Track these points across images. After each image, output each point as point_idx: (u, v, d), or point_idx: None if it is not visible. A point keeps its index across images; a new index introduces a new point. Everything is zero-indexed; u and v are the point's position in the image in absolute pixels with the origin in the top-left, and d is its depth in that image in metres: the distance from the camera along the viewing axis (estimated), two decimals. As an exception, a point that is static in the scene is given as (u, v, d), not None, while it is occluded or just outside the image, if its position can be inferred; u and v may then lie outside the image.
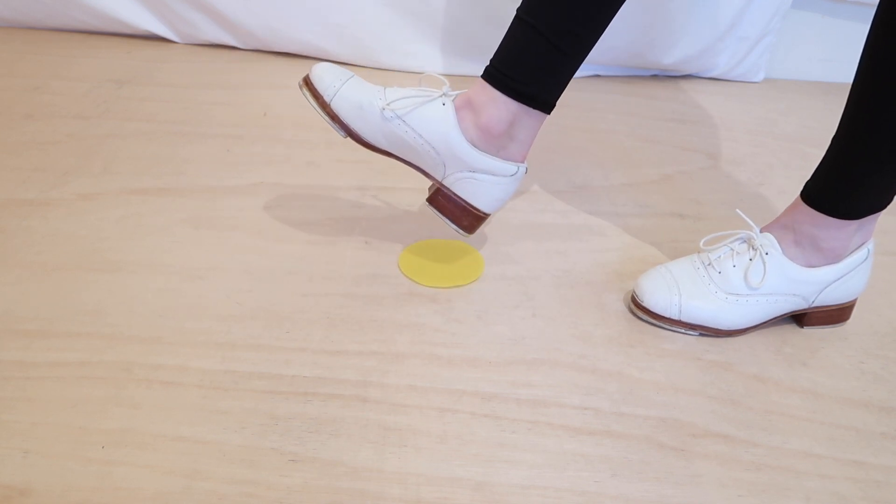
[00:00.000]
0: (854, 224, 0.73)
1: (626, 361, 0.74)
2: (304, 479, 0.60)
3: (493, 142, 0.75)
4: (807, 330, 0.80)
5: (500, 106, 0.73)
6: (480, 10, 1.32)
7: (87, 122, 1.13)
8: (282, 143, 1.10)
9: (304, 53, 1.39)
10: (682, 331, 0.77)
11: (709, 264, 0.77)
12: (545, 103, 0.75)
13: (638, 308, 0.79)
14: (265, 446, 0.62)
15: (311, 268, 0.84)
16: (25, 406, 0.65)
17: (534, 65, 0.72)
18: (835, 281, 0.76)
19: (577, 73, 1.40)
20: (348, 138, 0.77)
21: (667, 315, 0.77)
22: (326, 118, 0.76)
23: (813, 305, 0.78)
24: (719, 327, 0.76)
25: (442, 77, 0.78)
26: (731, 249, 0.77)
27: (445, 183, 0.77)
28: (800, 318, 0.80)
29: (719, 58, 1.40)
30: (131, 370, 0.69)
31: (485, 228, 0.93)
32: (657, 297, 0.77)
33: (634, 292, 0.79)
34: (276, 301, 0.78)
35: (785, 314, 0.78)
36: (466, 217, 0.79)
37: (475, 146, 0.75)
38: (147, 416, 0.64)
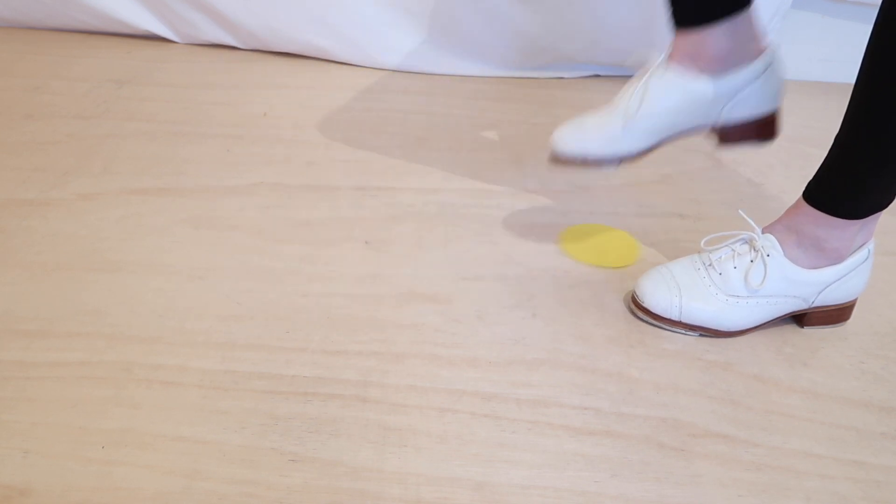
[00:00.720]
0: (857, 224, 0.73)
1: (626, 361, 0.74)
2: (304, 479, 0.60)
3: (732, 58, 0.72)
4: (807, 330, 0.80)
5: (715, 36, 0.71)
6: (480, 9, 1.32)
7: (87, 122, 1.13)
8: (282, 143, 1.10)
9: (304, 53, 1.39)
10: (683, 332, 0.77)
11: (709, 265, 0.77)
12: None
13: (638, 308, 0.79)
14: (265, 446, 0.62)
15: (311, 268, 0.84)
16: (25, 406, 0.65)
17: None
18: (835, 281, 0.76)
19: (577, 73, 1.41)
20: (617, 165, 0.76)
21: (667, 316, 0.77)
22: (585, 167, 0.77)
23: (813, 306, 0.78)
24: (719, 328, 0.76)
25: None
26: (733, 250, 0.77)
27: (721, 122, 0.74)
28: (800, 319, 0.80)
29: (719, 58, 1.39)
30: (131, 370, 0.69)
31: (485, 228, 0.93)
32: (657, 298, 0.77)
33: (634, 292, 0.79)
34: (276, 301, 0.78)
35: (785, 315, 0.78)
36: (762, 128, 0.75)
37: (714, 75, 0.72)
38: (147, 416, 0.64)
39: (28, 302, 0.76)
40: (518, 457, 0.63)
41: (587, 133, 0.77)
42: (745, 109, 0.74)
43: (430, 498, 0.59)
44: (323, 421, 0.65)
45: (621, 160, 0.77)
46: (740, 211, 0.81)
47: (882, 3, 0.65)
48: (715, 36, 0.72)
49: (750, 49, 0.73)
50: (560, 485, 0.61)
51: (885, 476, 0.64)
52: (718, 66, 0.73)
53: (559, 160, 0.79)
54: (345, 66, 1.37)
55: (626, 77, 1.42)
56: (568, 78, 1.40)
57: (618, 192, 1.04)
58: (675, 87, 0.73)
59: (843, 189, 0.71)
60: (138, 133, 1.10)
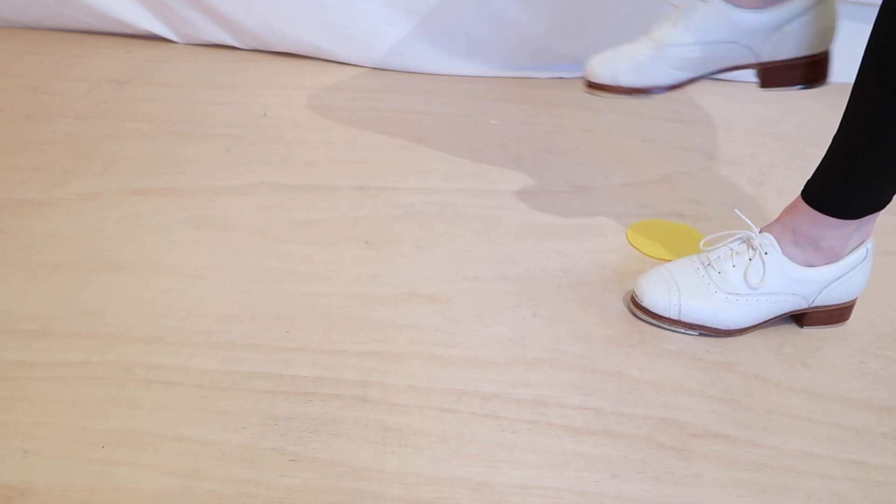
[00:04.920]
0: (854, 224, 0.73)
1: (626, 361, 0.74)
2: (304, 479, 0.60)
3: None
4: (807, 330, 0.80)
5: None
6: (480, 10, 1.32)
7: (87, 122, 1.13)
8: (282, 143, 1.10)
9: (304, 53, 1.39)
10: (682, 331, 0.77)
11: (708, 264, 0.77)
12: None
13: (638, 308, 0.79)
14: (265, 446, 0.62)
15: (311, 268, 0.84)
16: (25, 406, 0.65)
17: None
18: (834, 280, 0.76)
19: (577, 73, 1.41)
20: (649, 95, 0.74)
21: (666, 315, 0.77)
22: (616, 95, 0.75)
23: (813, 305, 0.78)
24: (719, 327, 0.77)
25: None
26: (731, 249, 0.77)
27: (764, 58, 0.70)
28: (800, 319, 0.80)
29: (719, 58, 1.39)
30: (131, 370, 0.69)
31: (485, 228, 0.93)
32: (656, 298, 0.77)
33: (634, 292, 0.79)
34: (276, 301, 0.78)
35: (785, 314, 0.78)
36: (809, 69, 0.71)
37: (758, 4, 0.68)
38: (147, 416, 0.64)
39: (28, 302, 0.76)
40: (518, 457, 0.63)
41: (619, 60, 0.76)
42: (792, 47, 0.70)
43: (430, 498, 0.59)
44: (323, 421, 0.65)
45: (652, 91, 0.75)
46: (736, 210, 0.81)
47: (881, 4, 0.65)
48: None
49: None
50: (560, 485, 0.61)
51: (885, 476, 0.64)
52: None
53: (592, 86, 0.78)
54: (345, 66, 1.37)
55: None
56: (568, 78, 1.40)
57: (618, 192, 1.04)
58: (713, 15, 0.70)
59: (839, 189, 0.72)
60: (138, 133, 1.10)
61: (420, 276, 0.84)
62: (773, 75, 0.72)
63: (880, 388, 0.73)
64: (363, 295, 0.80)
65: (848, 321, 0.81)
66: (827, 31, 0.70)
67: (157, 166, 1.02)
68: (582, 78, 0.79)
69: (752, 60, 0.72)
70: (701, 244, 0.80)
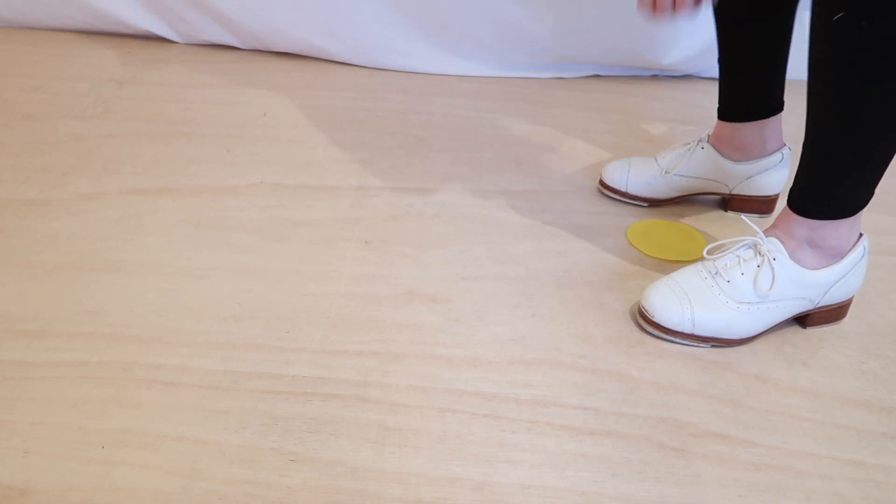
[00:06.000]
0: (847, 220, 0.73)
1: (626, 361, 0.74)
2: (304, 479, 0.60)
3: (751, 151, 0.93)
4: (807, 330, 0.80)
5: (747, 129, 0.91)
6: (480, 10, 1.32)
7: (87, 122, 1.13)
8: (282, 143, 1.10)
9: (304, 53, 1.39)
10: (695, 344, 0.76)
11: (716, 273, 0.76)
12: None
13: (648, 323, 0.76)
14: (265, 446, 0.62)
15: (311, 268, 0.84)
16: (25, 406, 0.65)
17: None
18: (838, 280, 0.76)
19: (577, 73, 1.41)
20: (647, 204, 0.99)
21: (679, 330, 0.75)
22: (624, 199, 1.00)
23: (817, 306, 0.77)
24: (731, 337, 0.75)
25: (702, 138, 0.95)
26: (738, 257, 0.75)
27: (734, 192, 0.97)
28: (802, 319, 0.80)
29: (719, 58, 1.40)
30: (131, 370, 0.69)
31: (485, 228, 0.93)
32: (669, 313, 0.75)
33: (643, 307, 0.77)
34: (276, 301, 0.78)
35: (792, 317, 0.78)
36: (763, 204, 0.97)
37: (737, 161, 0.93)
38: (147, 416, 0.64)
39: (28, 302, 0.76)
40: (518, 457, 0.63)
41: (631, 173, 0.98)
42: (753, 190, 0.96)
43: (430, 498, 0.59)
44: (323, 421, 0.65)
45: (651, 202, 0.99)
46: (743, 216, 0.80)
47: (811, 21, 0.66)
48: (747, 129, 0.91)
49: (769, 145, 0.93)
50: (560, 485, 0.61)
51: (885, 476, 0.64)
52: (742, 153, 0.93)
53: (605, 186, 1.01)
54: (345, 66, 1.38)
55: (626, 77, 1.43)
56: (568, 78, 1.40)
57: (618, 192, 1.04)
58: (708, 159, 0.94)
59: (820, 192, 0.72)
60: (138, 133, 1.10)
61: (420, 276, 0.84)
62: (736, 204, 0.98)
63: (880, 388, 0.73)
64: (363, 295, 0.80)
65: (847, 320, 0.81)
66: (779, 182, 0.95)
67: (157, 166, 1.02)
68: (599, 179, 1.02)
69: (725, 192, 0.97)
70: (705, 252, 0.78)
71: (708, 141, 0.94)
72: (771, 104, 0.90)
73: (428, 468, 0.62)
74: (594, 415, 0.68)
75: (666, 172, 0.95)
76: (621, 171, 0.99)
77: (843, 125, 0.67)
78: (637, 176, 0.98)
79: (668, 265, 0.87)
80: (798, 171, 0.74)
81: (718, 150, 0.93)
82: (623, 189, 0.98)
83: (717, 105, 0.93)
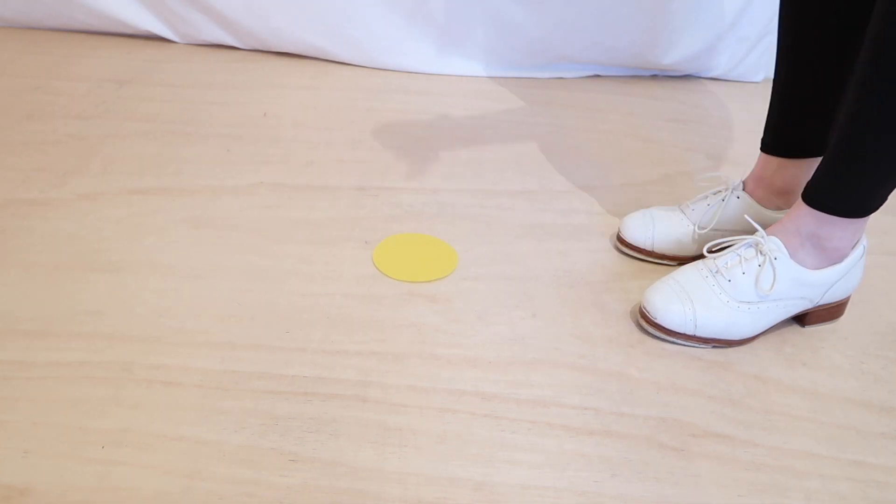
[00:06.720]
0: (859, 221, 0.73)
1: (626, 361, 0.74)
2: (304, 479, 0.60)
3: (795, 197, 0.83)
4: (807, 330, 0.80)
5: (788, 169, 0.83)
6: (480, 9, 1.32)
7: (87, 122, 1.13)
8: (282, 143, 1.10)
9: (304, 53, 1.39)
10: (696, 345, 0.76)
11: (717, 272, 0.76)
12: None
13: (650, 325, 0.76)
14: (265, 446, 0.62)
15: (311, 268, 0.84)
16: (25, 406, 0.65)
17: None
18: (839, 280, 0.76)
19: (578, 73, 1.41)
20: (674, 263, 0.88)
21: (682, 331, 0.75)
22: (649, 258, 0.88)
23: (816, 305, 0.77)
24: (732, 338, 0.75)
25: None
26: (739, 256, 0.75)
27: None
28: (801, 318, 0.80)
29: (719, 58, 1.40)
30: (131, 370, 0.69)
31: (485, 228, 0.93)
32: (671, 314, 0.74)
33: (644, 308, 0.77)
34: (275, 301, 0.78)
35: (791, 316, 0.78)
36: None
37: (777, 209, 0.85)
38: (147, 416, 0.64)
39: (28, 302, 0.76)
40: (518, 457, 0.63)
41: (656, 228, 0.88)
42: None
43: (430, 498, 0.59)
44: (323, 421, 0.65)
45: (679, 260, 0.88)
46: (746, 216, 0.80)
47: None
48: (788, 169, 0.83)
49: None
50: (560, 485, 0.61)
51: (885, 476, 0.64)
52: (780, 198, 0.85)
53: (626, 244, 0.89)
54: (345, 66, 1.38)
55: (626, 77, 1.43)
56: (568, 78, 1.40)
57: (618, 192, 1.04)
58: (739, 208, 0.85)
59: (843, 188, 0.71)
60: (138, 133, 1.10)
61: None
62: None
63: (880, 388, 0.73)
64: (363, 295, 0.80)
65: (846, 318, 0.81)
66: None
67: (157, 166, 1.02)
68: (617, 235, 0.90)
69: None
70: (705, 250, 0.78)
71: (744, 189, 0.86)
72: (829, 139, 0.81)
73: (428, 468, 0.62)
74: (594, 415, 0.68)
75: (700, 229, 0.86)
76: (644, 228, 0.88)
77: (890, 122, 0.65)
78: (664, 233, 0.87)
79: (668, 266, 0.87)
80: (822, 164, 0.73)
81: (756, 199, 0.85)
82: (649, 248, 0.87)
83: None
